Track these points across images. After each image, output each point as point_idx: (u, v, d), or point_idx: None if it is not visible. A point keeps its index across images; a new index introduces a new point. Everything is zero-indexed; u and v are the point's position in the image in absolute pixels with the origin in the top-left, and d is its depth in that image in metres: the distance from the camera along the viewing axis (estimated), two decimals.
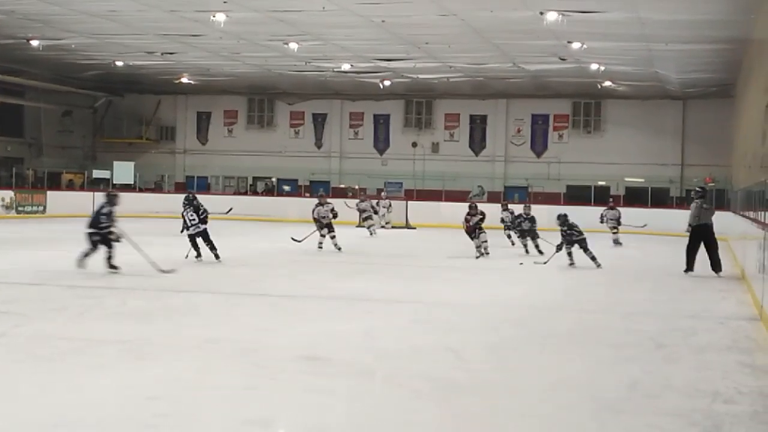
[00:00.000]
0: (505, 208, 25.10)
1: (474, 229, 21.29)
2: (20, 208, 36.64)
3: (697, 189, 19.20)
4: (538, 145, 43.46)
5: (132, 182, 42.93)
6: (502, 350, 9.58)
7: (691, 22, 24.64)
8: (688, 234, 18.37)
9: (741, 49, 26.12)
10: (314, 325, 10.78)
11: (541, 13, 24.48)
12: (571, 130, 43.17)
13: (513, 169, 43.37)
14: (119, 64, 37.74)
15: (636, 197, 38.26)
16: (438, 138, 44.57)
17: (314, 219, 22.31)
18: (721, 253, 18.55)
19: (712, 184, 37.91)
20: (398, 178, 43.33)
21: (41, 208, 37.57)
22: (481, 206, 22.00)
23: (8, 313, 10.94)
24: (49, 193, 38.65)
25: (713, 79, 34.96)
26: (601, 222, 27.58)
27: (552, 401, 7.26)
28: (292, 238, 22.10)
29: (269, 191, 44.23)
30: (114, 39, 31.77)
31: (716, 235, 18.31)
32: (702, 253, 18.19)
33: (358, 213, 31.04)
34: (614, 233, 27.23)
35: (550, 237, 21.70)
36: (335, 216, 22.07)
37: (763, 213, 13.63)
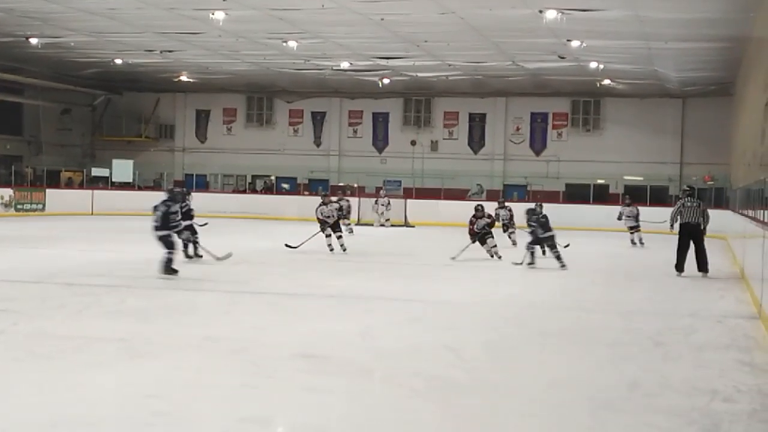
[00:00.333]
0: (502, 206, 25.01)
1: (480, 232, 20.50)
2: (19, 206, 36.64)
3: (685, 188, 18.95)
4: (537, 144, 43.46)
5: (131, 180, 42.92)
6: (500, 349, 9.58)
7: (691, 21, 24.64)
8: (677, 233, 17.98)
9: (740, 48, 26.12)
10: (313, 323, 10.78)
11: (541, 12, 24.47)
12: (570, 128, 43.16)
13: (512, 168, 43.36)
14: (118, 62, 37.73)
15: (635, 195, 38.21)
16: (437, 136, 44.56)
17: (318, 219, 21.41)
18: (720, 252, 18.53)
19: (711, 183, 37.96)
20: (397, 177, 43.34)
21: (40, 206, 37.57)
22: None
23: (7, 311, 10.93)
24: (48, 191, 38.66)
25: (712, 78, 34.96)
26: (619, 219, 27.15)
27: (551, 400, 7.26)
28: (287, 245, 21.32)
29: (268, 189, 44.23)
30: (113, 37, 31.75)
31: (715, 234, 18.15)
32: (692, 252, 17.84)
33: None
34: (632, 233, 26.66)
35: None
36: (342, 216, 21.60)
37: (762, 211, 13.64)
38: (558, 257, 18.74)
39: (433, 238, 24.92)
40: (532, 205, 20.31)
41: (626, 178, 40.88)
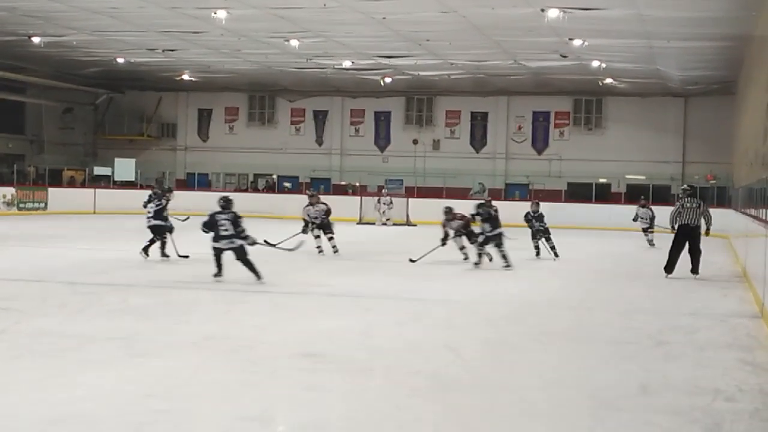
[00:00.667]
0: (488, 205, 24.84)
1: (454, 235, 19.48)
2: (21, 205, 36.66)
3: (685, 187, 18.07)
4: (539, 143, 43.45)
5: (133, 179, 42.94)
6: (500, 348, 9.57)
7: (693, 19, 24.61)
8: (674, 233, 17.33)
9: (742, 46, 26.08)
10: (312, 321, 10.78)
11: (543, 10, 24.45)
12: (572, 127, 43.15)
13: (514, 167, 43.35)
14: (120, 61, 37.73)
15: (637, 194, 38.19)
16: (439, 135, 44.56)
17: (304, 220, 20.99)
18: (722, 251, 18.46)
19: (713, 182, 37.91)
20: (399, 175, 43.32)
21: (42, 205, 37.58)
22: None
23: (8, 310, 10.94)
24: (50, 190, 38.67)
25: (715, 77, 34.93)
26: (634, 221, 26.62)
27: (551, 399, 7.25)
28: (266, 241, 19.88)
29: (270, 188, 44.23)
30: (115, 36, 31.76)
31: (717, 233, 17.79)
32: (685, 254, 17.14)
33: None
34: (646, 234, 26.20)
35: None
36: (327, 215, 20.60)
37: (764, 210, 13.62)
38: (504, 257, 18.00)
39: (435, 236, 24.77)
40: (487, 200, 20.00)
41: (628, 177, 40.84)
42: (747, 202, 19.79)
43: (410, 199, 37.33)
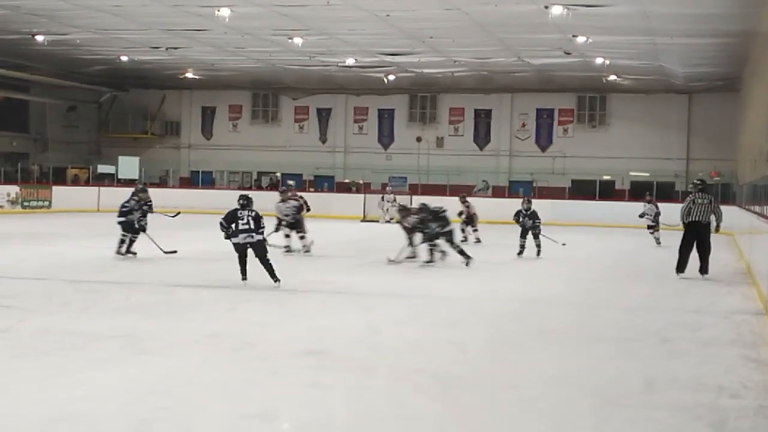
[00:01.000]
0: (463, 201, 24.73)
1: (412, 229, 18.20)
2: (25, 204, 36.69)
3: (696, 182, 17.20)
4: (543, 140, 43.41)
5: (137, 177, 42.94)
6: (503, 345, 9.57)
7: (696, 16, 24.58)
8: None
9: (747, 43, 26.04)
10: (315, 319, 10.77)
11: (546, 7, 24.44)
12: (576, 124, 43.11)
13: (518, 164, 43.31)
14: (124, 59, 37.76)
15: (641, 191, 38.15)
16: (442, 132, 44.52)
17: (277, 217, 20.14)
18: (727, 248, 18.36)
19: (717, 178, 37.85)
20: (402, 173, 43.30)
21: (46, 203, 37.62)
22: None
23: (12, 308, 10.95)
24: (54, 188, 38.70)
25: (719, 73, 34.89)
26: (641, 217, 26.06)
27: (554, 396, 7.24)
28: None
29: (274, 186, 44.17)
30: (119, 34, 31.78)
31: (721, 230, 17.07)
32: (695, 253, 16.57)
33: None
34: (651, 232, 25.45)
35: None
36: (302, 210, 19.97)
37: None
38: (460, 252, 17.73)
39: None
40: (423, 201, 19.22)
41: (632, 174, 40.79)
42: (751, 198, 19.76)
43: (414, 197, 37.27)
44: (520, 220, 20.22)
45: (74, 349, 8.59)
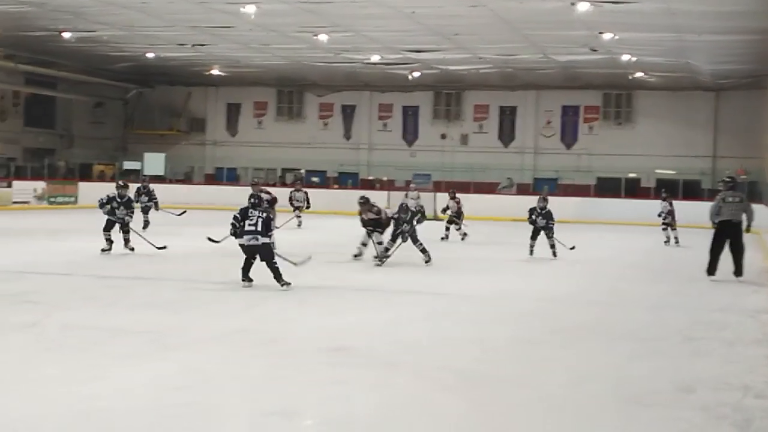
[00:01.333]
0: (452, 197, 24.74)
1: (370, 224, 17.50)
2: (52, 199, 36.89)
3: (726, 179, 16.39)
4: (568, 137, 43.28)
5: (163, 173, 43.12)
6: (526, 343, 9.54)
7: (723, 13, 24.47)
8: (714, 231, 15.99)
9: None
10: (338, 316, 10.79)
11: (572, 4, 24.39)
12: (601, 121, 42.96)
13: (542, 161, 43.20)
14: (150, 55, 37.91)
15: (667, 189, 37.94)
16: (467, 130, 44.46)
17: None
18: (753, 247, 18.09)
19: (744, 177, 37.61)
20: (427, 170, 43.20)
21: (73, 199, 37.81)
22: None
23: (39, 303, 11.02)
24: (80, 184, 38.88)
25: (746, 70, 34.70)
26: (659, 216, 25.05)
27: (578, 394, 7.23)
28: (209, 239, 18.77)
29: (298, 183, 44.21)
30: (145, 31, 31.92)
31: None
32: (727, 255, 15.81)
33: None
34: (664, 229, 24.79)
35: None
36: (274, 205, 19.32)
37: None
38: (422, 251, 17.13)
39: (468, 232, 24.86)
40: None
41: (658, 171, 40.61)
42: None
43: (438, 194, 37.22)
44: (533, 218, 19.23)
45: (99, 344, 8.63)
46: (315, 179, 44.36)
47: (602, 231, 29.41)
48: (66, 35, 32.70)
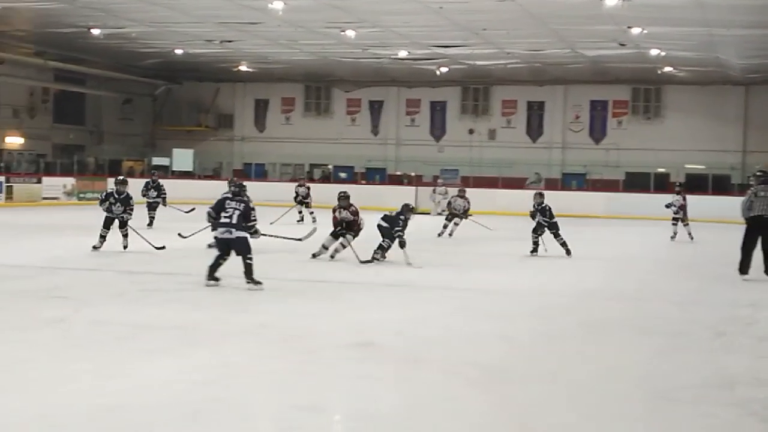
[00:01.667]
0: (461, 195, 24.25)
1: (341, 224, 16.47)
2: (81, 195, 37.07)
3: (757, 173, 15.52)
4: (597, 132, 43.11)
5: (191, 169, 43.26)
6: (552, 338, 9.51)
7: (753, 7, 24.29)
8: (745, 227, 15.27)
9: None
10: (366, 312, 10.79)
11: None
12: (630, 116, 42.78)
13: (571, 156, 43.05)
14: (178, 52, 38.02)
15: (697, 184, 37.79)
16: (495, 125, 44.37)
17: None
18: None
19: None
20: (454, 165, 43.11)
21: (102, 195, 37.89)
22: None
23: (67, 299, 11.08)
24: (109, 180, 38.99)
25: None
26: (667, 207, 24.50)
27: (605, 390, 7.20)
28: (179, 234, 17.76)
29: (326, 178, 44.29)
30: (173, 27, 32.01)
31: None
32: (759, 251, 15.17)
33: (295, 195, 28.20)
34: (673, 224, 24.24)
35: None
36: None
37: None
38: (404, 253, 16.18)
39: (490, 226, 24.82)
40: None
41: (687, 166, 40.35)
42: None
43: (466, 189, 37.19)
44: (535, 214, 18.67)
45: (127, 339, 8.67)
46: (343, 175, 44.40)
47: (631, 226, 29.29)
48: (95, 32, 32.84)
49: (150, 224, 22.67)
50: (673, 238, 24.10)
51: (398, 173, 43.68)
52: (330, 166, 45.12)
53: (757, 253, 14.98)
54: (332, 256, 16.22)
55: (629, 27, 28.37)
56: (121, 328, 9.24)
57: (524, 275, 15.30)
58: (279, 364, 7.75)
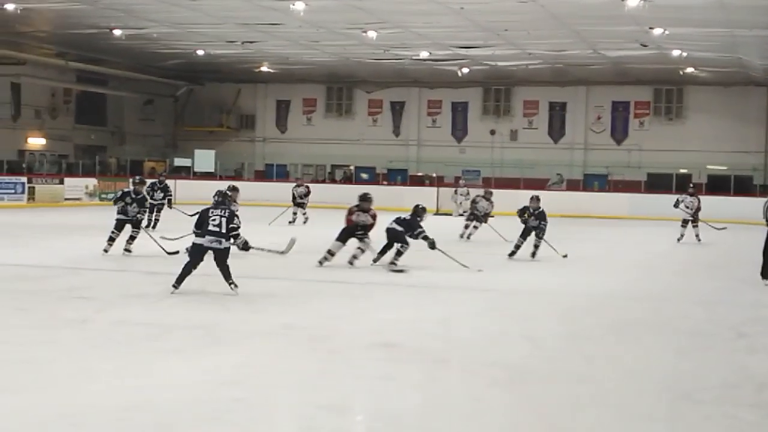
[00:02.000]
0: (486, 197, 23.65)
1: (357, 228, 15.50)
2: (103, 196, 37.19)
3: None
4: (619, 133, 42.97)
5: (213, 170, 43.33)
6: (577, 339, 9.49)
7: None
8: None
9: None
10: (390, 312, 10.80)
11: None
12: (652, 117, 42.62)
13: (592, 157, 42.92)
14: (200, 53, 38.08)
15: (718, 185, 37.64)
16: (516, 125, 44.29)
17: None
18: None
19: None
20: (476, 166, 43.09)
21: (117, 193, 37.97)
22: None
23: (89, 299, 11.13)
24: (131, 181, 39.13)
25: None
26: (675, 207, 23.98)
27: (629, 390, 7.18)
28: (161, 237, 17.28)
29: (347, 179, 44.32)
30: (195, 28, 32.07)
31: None
32: None
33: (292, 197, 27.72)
34: (683, 226, 23.63)
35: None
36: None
37: None
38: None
39: (511, 227, 24.75)
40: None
41: (709, 167, 40.19)
42: None
43: (492, 192, 37.11)
44: (525, 218, 18.02)
45: (149, 339, 8.71)
46: (364, 175, 44.43)
47: (653, 227, 29.17)
48: (117, 33, 32.93)
49: (153, 226, 22.66)
50: (679, 240, 23.54)
51: (420, 174, 43.65)
52: (351, 167, 45.15)
53: None
54: (351, 263, 15.44)
55: (651, 28, 28.27)
56: (143, 328, 9.28)
57: (548, 276, 15.26)
58: (302, 364, 7.77)
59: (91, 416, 6.12)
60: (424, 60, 37.36)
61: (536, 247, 17.91)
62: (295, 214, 26.98)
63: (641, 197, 37.48)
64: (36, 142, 41.34)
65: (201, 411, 6.26)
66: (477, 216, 22.91)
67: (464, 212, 33.74)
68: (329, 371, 7.53)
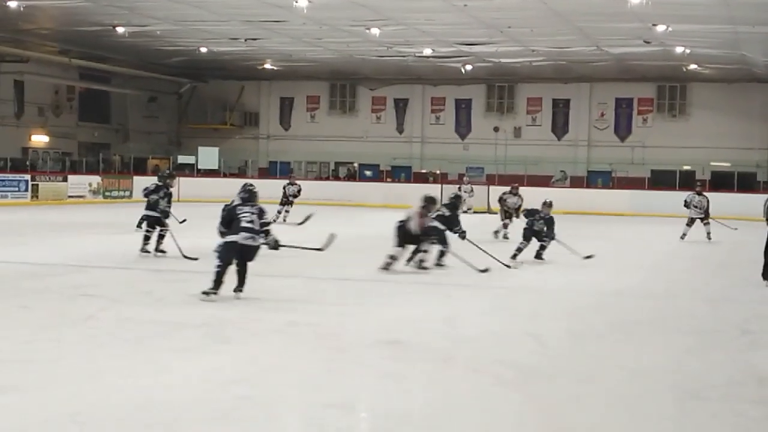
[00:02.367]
0: (514, 193, 23.14)
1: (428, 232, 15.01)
2: (107, 194, 37.28)
3: None
4: (622, 129, 43.00)
5: (217, 168, 43.36)
6: (584, 337, 9.49)
7: None
8: None
9: None
10: (396, 310, 10.79)
11: None
12: (655, 113, 42.67)
13: (596, 154, 42.95)
14: (203, 50, 38.10)
15: (722, 182, 37.64)
16: (520, 122, 44.32)
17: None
18: None
19: None
20: (480, 163, 43.13)
21: (127, 193, 38.12)
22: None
23: (95, 297, 11.13)
24: (135, 178, 39.17)
25: None
26: (686, 207, 23.65)
27: (635, 389, 7.18)
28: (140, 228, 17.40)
29: (351, 176, 44.36)
30: (198, 25, 32.10)
31: None
32: None
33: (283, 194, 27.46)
34: (689, 225, 23.41)
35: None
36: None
37: None
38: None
39: (516, 224, 24.75)
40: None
41: (713, 164, 40.23)
42: None
43: (491, 187, 37.12)
44: (531, 221, 17.16)
45: (156, 337, 8.71)
46: (368, 173, 44.45)
47: (657, 224, 29.16)
48: (120, 30, 32.94)
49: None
50: (682, 238, 23.28)
51: (423, 171, 43.70)
52: (355, 164, 45.17)
53: None
54: (424, 267, 14.92)
55: (654, 24, 28.27)
56: (150, 326, 9.28)
57: (553, 274, 15.26)
58: (309, 362, 7.77)
59: (97, 415, 6.11)
60: (428, 57, 37.38)
61: (543, 248, 17.34)
62: (279, 213, 25.95)
63: (645, 194, 37.49)
64: (39, 139, 41.38)
65: (207, 409, 6.27)
66: (509, 213, 22.57)
67: (468, 209, 33.82)
68: (336, 369, 7.53)
